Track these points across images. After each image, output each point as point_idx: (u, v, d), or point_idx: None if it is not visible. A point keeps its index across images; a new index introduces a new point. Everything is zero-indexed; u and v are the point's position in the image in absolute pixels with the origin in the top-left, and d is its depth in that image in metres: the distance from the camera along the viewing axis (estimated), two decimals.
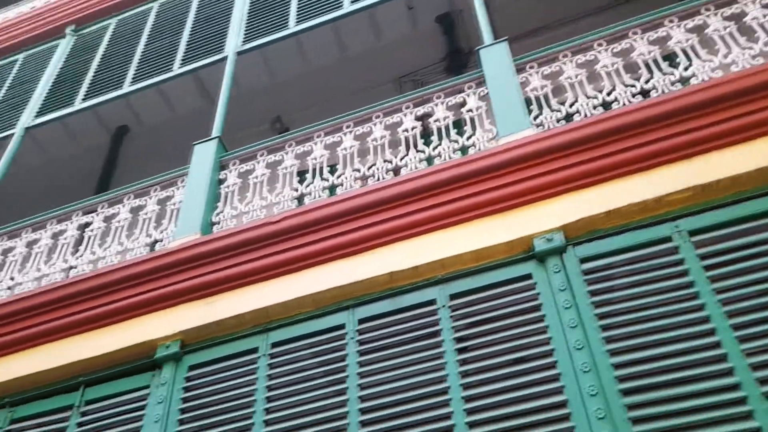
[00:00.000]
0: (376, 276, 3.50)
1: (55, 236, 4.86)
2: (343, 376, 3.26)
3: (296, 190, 4.21)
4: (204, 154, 4.63)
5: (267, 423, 3.24)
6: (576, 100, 3.81)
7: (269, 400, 3.33)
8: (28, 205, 5.51)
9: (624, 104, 3.64)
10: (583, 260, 3.15)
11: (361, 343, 3.35)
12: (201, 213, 4.28)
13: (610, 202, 3.20)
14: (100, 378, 3.82)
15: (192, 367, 3.65)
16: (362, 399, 3.13)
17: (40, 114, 5.88)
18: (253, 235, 3.91)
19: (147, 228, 4.54)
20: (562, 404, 2.74)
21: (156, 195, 4.69)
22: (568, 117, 3.76)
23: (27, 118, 5.88)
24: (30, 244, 4.89)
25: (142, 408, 3.57)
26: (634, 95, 3.71)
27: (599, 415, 2.63)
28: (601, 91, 3.82)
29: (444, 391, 2.98)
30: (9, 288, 4.64)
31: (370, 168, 4.06)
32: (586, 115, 3.68)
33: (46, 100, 5.96)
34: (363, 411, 3.09)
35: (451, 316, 3.24)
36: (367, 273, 3.52)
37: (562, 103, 3.86)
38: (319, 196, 4.10)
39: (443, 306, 3.28)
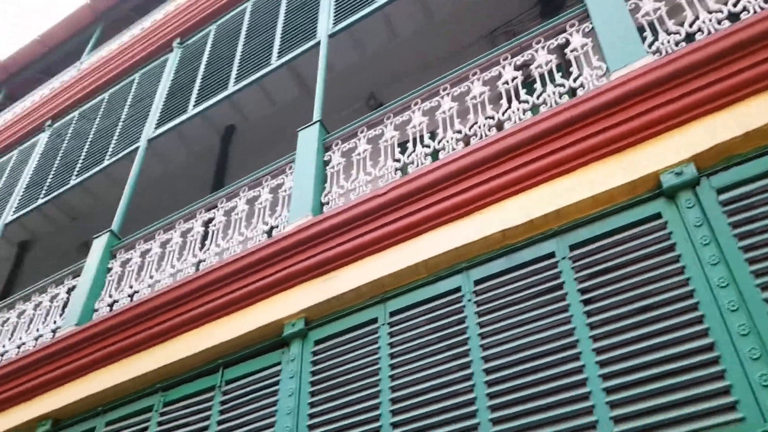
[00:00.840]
0: (488, 235, 3.38)
1: (184, 234, 5.21)
2: (464, 338, 3.19)
3: (398, 160, 4.18)
4: (308, 138, 4.73)
5: (393, 389, 3.25)
6: (697, 18, 3.42)
7: (393, 367, 3.33)
8: (153, 214, 5.95)
9: (754, 11, 3.21)
10: (721, 191, 2.82)
11: (478, 304, 3.26)
12: (311, 195, 4.38)
13: (747, 122, 2.84)
14: (236, 359, 4.05)
15: (317, 342, 3.75)
16: (485, 359, 3.05)
17: (159, 125, 6.34)
18: (362, 209, 3.93)
19: (263, 216, 4.73)
20: (708, 347, 2.48)
21: (268, 184, 4.88)
22: (689, 37, 3.38)
23: (148, 130, 6.37)
24: (163, 244, 5.29)
25: (276, 383, 3.73)
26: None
27: (753, 356, 2.35)
28: (726, 2, 3.39)
29: (572, 345, 2.82)
30: (149, 286, 5.05)
31: (471, 128, 3.93)
32: (710, 32, 3.29)
33: (163, 112, 6.41)
34: (487, 371, 3.00)
35: (573, 268, 3.04)
36: (478, 233, 3.42)
37: (681, 24, 3.48)
38: (422, 163, 4.03)
39: (563, 258, 3.10)
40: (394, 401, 3.21)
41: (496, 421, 2.85)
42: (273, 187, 4.85)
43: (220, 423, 3.78)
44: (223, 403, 3.88)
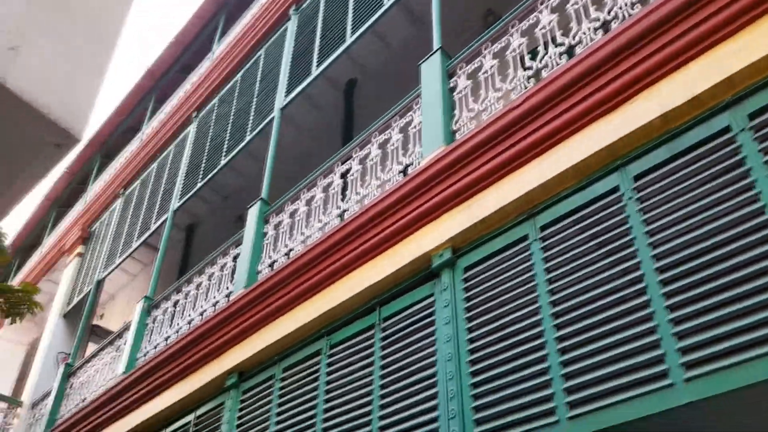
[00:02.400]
0: (645, 124, 2.99)
1: (325, 189, 5.34)
2: (627, 240, 2.89)
3: (530, 68, 3.86)
4: (430, 69, 4.57)
5: (553, 304, 3.05)
6: None
7: (550, 281, 3.13)
8: (294, 177, 6.15)
9: None
10: None
11: (641, 201, 2.91)
12: (441, 126, 4.24)
13: None
14: (390, 296, 4.08)
15: (467, 269, 3.64)
16: (657, 258, 2.72)
17: (288, 93, 6.55)
18: (496, 127, 3.71)
19: (396, 157, 4.68)
20: None
21: (397, 124, 4.81)
22: None
23: (279, 99, 6.60)
24: (308, 202, 5.47)
25: (431, 314, 3.70)
26: None
27: None
28: None
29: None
30: (302, 242, 5.26)
31: (610, 11, 3.50)
32: None
33: (290, 79, 6.60)
34: (660, 270, 2.69)
35: (756, 138, 2.58)
36: (633, 123, 3.05)
37: None
38: (557, 65, 3.69)
39: (742, 130, 2.64)
40: (556, 316, 3.01)
41: (680, 336, 2.54)
42: (402, 126, 4.77)
43: (383, 358, 3.84)
44: (383, 339, 3.93)
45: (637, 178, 2.98)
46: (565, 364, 2.85)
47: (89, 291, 9.10)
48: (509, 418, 2.96)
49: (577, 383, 2.77)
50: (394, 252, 4.16)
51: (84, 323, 8.67)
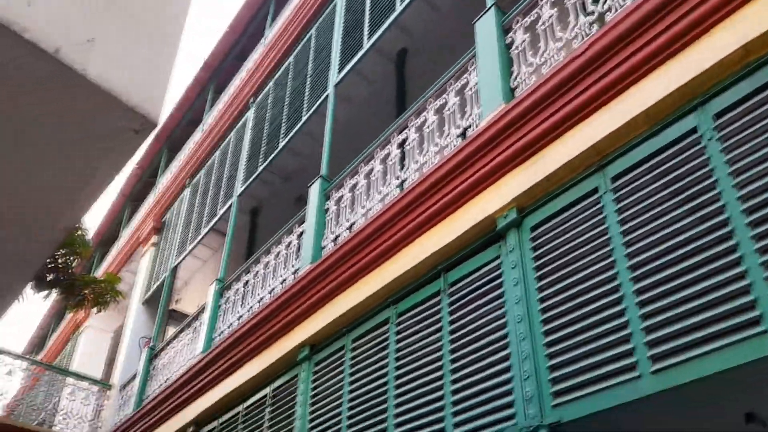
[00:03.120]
0: (724, 57, 2.77)
1: (383, 161, 5.30)
2: (709, 183, 2.71)
3: (592, 13, 3.66)
4: (485, 27, 4.42)
5: (629, 256, 2.90)
6: None
7: (625, 233, 2.98)
8: (351, 153, 6.14)
9: None
10: None
11: (724, 140, 2.71)
12: (499, 84, 4.10)
13: None
14: (455, 262, 4.02)
15: (534, 228, 3.52)
16: (742, 199, 2.52)
17: (340, 69, 6.53)
18: (558, 79, 3.55)
19: (454, 121, 4.58)
20: None
21: (452, 88, 4.70)
22: None
23: (332, 77, 6.60)
24: (367, 175, 5.46)
25: (498, 276, 3.61)
26: None
27: None
28: None
29: None
30: (363, 215, 5.26)
31: None
32: None
33: (342, 55, 6.58)
34: (748, 211, 2.49)
35: None
36: (711, 58, 2.82)
37: None
38: (623, 5, 3.46)
39: None
40: (633, 268, 2.87)
41: None
42: (458, 89, 4.65)
43: (451, 323, 3.79)
44: (450, 304, 3.88)
45: (718, 115, 2.78)
46: (646, 316, 2.71)
47: (165, 278, 9.51)
48: (588, 376, 2.86)
49: (659, 336, 2.63)
50: (457, 217, 4.08)
51: (162, 308, 9.07)
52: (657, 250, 2.80)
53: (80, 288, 7.63)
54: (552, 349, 3.07)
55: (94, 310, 8.64)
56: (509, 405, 3.15)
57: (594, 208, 3.20)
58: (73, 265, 7.35)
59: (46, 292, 7.27)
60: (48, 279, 7.15)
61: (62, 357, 13.70)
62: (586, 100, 3.39)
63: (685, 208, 2.77)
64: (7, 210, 2.68)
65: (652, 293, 2.74)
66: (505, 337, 3.37)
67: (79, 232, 7.21)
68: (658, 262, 2.77)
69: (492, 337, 3.46)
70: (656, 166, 2.97)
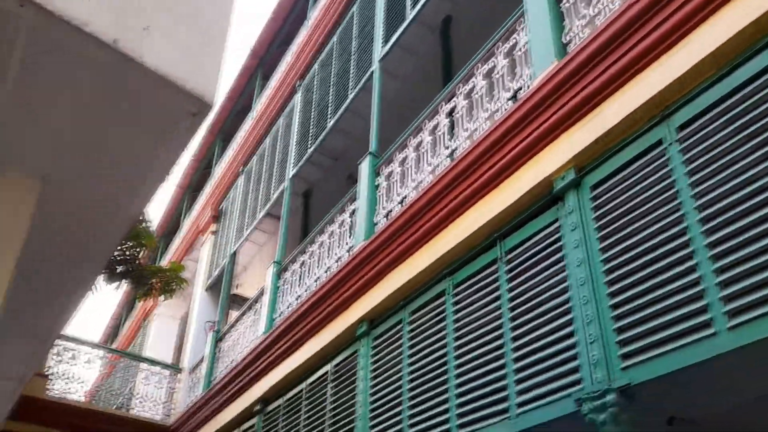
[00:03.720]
0: None
1: (432, 132, 5.20)
2: None
3: None
4: None
5: (700, 208, 2.72)
6: None
7: (695, 184, 2.80)
8: (399, 128, 6.05)
9: None
10: None
11: None
12: (550, 41, 3.92)
13: None
14: (511, 228, 3.90)
15: (594, 187, 3.36)
16: None
17: (384, 43, 6.44)
18: (615, 29, 3.35)
19: (504, 84, 4.43)
20: None
21: (501, 50, 4.54)
22: None
23: (377, 52, 6.51)
24: (416, 148, 5.37)
25: (558, 240, 3.48)
26: None
27: None
28: None
29: None
30: (414, 188, 5.19)
31: None
32: None
33: (385, 29, 6.48)
34: None
35: None
36: None
37: None
38: None
39: None
40: (705, 220, 2.69)
41: None
42: (507, 50, 4.49)
43: (510, 290, 3.69)
44: (508, 272, 3.77)
45: None
46: (721, 270, 2.54)
47: (225, 264, 9.75)
48: (658, 336, 2.71)
49: (736, 290, 2.46)
50: (512, 182, 3.95)
51: (224, 293, 9.32)
52: (730, 200, 2.61)
53: (148, 277, 7.93)
54: (618, 311, 2.93)
55: (162, 297, 8.98)
56: (575, 370, 3.04)
57: (659, 161, 3.02)
58: (140, 256, 7.63)
59: (117, 283, 7.59)
60: (118, 271, 7.46)
61: (135, 344, 14.35)
62: (646, 48, 3.18)
63: (760, 153, 2.56)
64: (77, 207, 2.78)
65: (726, 246, 2.56)
66: (567, 301, 3.24)
67: (144, 225, 7.47)
68: (731, 213, 2.59)
69: (553, 302, 3.34)
70: (726, 111, 2.76)
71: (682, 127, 2.95)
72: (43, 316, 3.98)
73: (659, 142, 3.04)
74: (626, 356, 2.81)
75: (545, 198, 3.67)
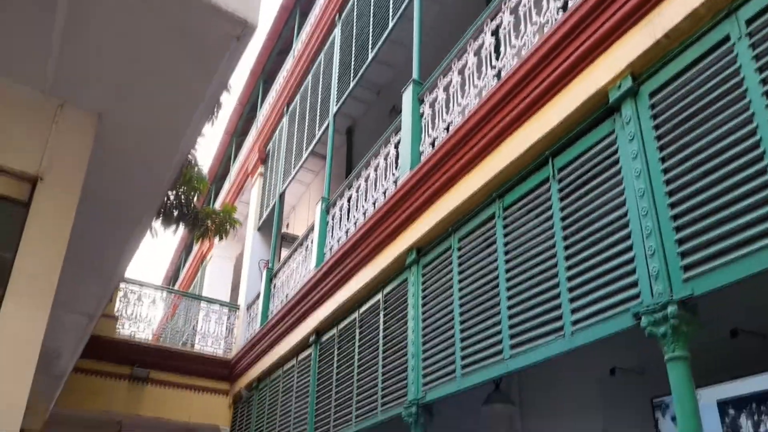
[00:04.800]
0: None
1: (477, 52, 4.99)
2: None
3: None
4: None
5: None
6: None
7: (765, 81, 2.56)
8: (439, 59, 5.83)
9: None
10: None
11: None
12: None
13: None
14: (562, 145, 3.75)
15: (653, 94, 3.15)
16: None
17: None
18: None
19: None
20: None
21: None
22: None
23: None
24: (461, 71, 5.18)
25: (613, 153, 3.32)
26: None
27: None
28: None
29: None
30: (459, 113, 5.03)
31: None
32: None
33: None
34: None
35: None
36: None
37: None
38: None
39: None
40: None
41: None
42: None
43: (562, 209, 3.58)
44: (560, 190, 3.65)
45: None
46: None
47: (274, 204, 9.90)
48: (721, 245, 2.57)
49: None
50: (563, 97, 3.76)
51: (275, 232, 9.50)
52: None
53: (202, 220, 8.15)
54: (679, 221, 2.79)
55: (216, 239, 9.24)
56: (633, 284, 2.94)
57: (725, 60, 2.78)
58: (194, 200, 7.83)
59: (173, 226, 7.84)
60: (174, 215, 7.69)
61: (194, 286, 14.98)
62: None
63: None
64: (132, 144, 2.82)
65: None
66: (624, 215, 3.11)
67: (196, 170, 7.62)
68: None
69: (609, 217, 3.22)
70: None
71: (750, 21, 2.69)
72: (106, 255, 4.16)
73: (726, 39, 2.80)
74: (688, 267, 2.70)
75: (600, 110, 3.48)
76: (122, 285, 9.49)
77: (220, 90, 2.68)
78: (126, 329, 9.51)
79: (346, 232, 6.70)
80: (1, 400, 2.04)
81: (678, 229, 2.79)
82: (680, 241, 2.77)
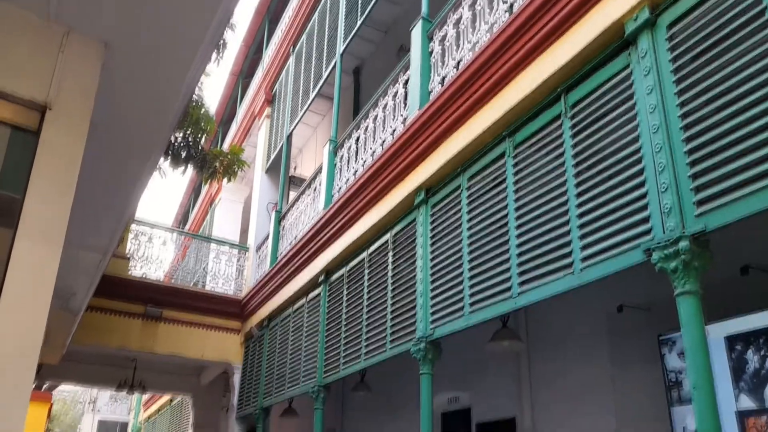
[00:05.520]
0: None
1: None
2: None
3: None
4: None
5: None
6: None
7: None
8: None
9: None
10: None
11: None
12: None
13: None
14: (575, 81, 3.66)
15: (671, 25, 3.05)
16: None
17: None
18: None
19: None
20: None
21: None
22: None
23: None
24: (471, 6, 5.00)
25: (628, 87, 3.25)
26: None
27: None
28: None
29: None
30: (470, 50, 4.90)
31: None
32: None
33: None
34: None
35: None
36: None
37: None
38: None
39: None
40: None
41: None
42: None
43: (574, 146, 3.53)
44: (572, 127, 3.59)
45: None
46: None
47: (282, 145, 9.85)
48: (736, 179, 2.54)
49: None
50: (577, 30, 3.64)
51: (283, 174, 9.49)
52: None
53: (210, 161, 8.14)
54: (694, 156, 2.75)
55: (225, 180, 9.26)
56: (645, 220, 2.93)
57: None
58: (202, 141, 7.79)
59: (182, 167, 7.84)
60: (183, 156, 7.68)
61: (203, 229, 15.13)
62: None
63: None
64: (139, 76, 2.77)
65: None
66: (638, 150, 3.07)
67: (203, 110, 7.54)
68: None
69: (622, 153, 3.17)
70: None
71: None
72: (116, 190, 4.19)
73: None
74: (701, 202, 2.67)
75: (615, 43, 3.37)
76: (133, 226, 9.59)
77: (226, 19, 2.61)
78: (138, 270, 9.67)
79: (354, 173, 6.68)
80: (20, 335, 2.09)
81: (693, 164, 2.75)
82: (694, 176, 2.73)
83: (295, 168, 11.48)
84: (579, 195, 3.40)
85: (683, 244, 2.65)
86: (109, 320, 8.75)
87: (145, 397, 18.94)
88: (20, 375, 2.04)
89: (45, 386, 15.30)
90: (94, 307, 8.41)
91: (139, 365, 11.19)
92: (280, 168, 9.85)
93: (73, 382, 13.34)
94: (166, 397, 15.99)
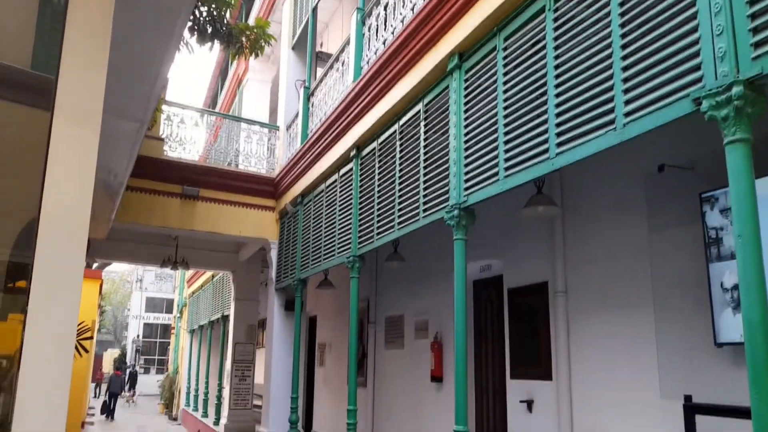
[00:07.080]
0: None
1: None
2: None
3: None
4: None
5: None
6: None
7: None
8: None
9: None
10: None
11: None
12: None
13: None
14: None
15: None
16: None
17: None
18: None
19: None
20: None
21: None
22: None
23: None
24: None
25: None
26: None
27: None
28: None
29: None
30: None
31: None
32: None
33: None
34: None
35: None
36: None
37: None
38: None
39: None
40: None
41: None
42: None
43: (621, 4, 3.26)
44: (555, 20, 3.30)
45: None
46: None
47: (307, 19, 9.45)
48: None
49: None
50: None
51: (310, 49, 9.20)
52: None
53: (237, 36, 7.91)
54: (755, 8, 2.51)
55: (252, 58, 9.04)
56: (696, 68, 2.75)
57: None
58: (227, 15, 7.52)
59: (209, 43, 7.66)
60: (209, 31, 7.46)
61: (233, 110, 15.07)
62: None
63: None
64: None
65: None
66: (693, 4, 2.82)
67: None
68: None
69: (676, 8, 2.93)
70: None
71: None
72: (146, 60, 4.19)
73: None
74: (759, 44, 2.48)
75: None
76: (165, 108, 9.59)
77: None
78: (174, 152, 9.80)
79: (384, 42, 6.42)
80: (69, 210, 2.16)
81: (752, 2, 2.53)
82: (753, 16, 2.52)
83: (321, 44, 11.09)
84: (624, 46, 3.19)
85: (736, 89, 2.50)
86: (149, 200, 9.04)
87: (188, 274, 20.03)
88: (72, 250, 2.13)
89: (95, 265, 16.26)
90: (134, 187, 8.65)
91: (180, 243, 11.70)
92: (306, 44, 9.54)
93: (120, 260, 14.08)
94: (207, 274, 16.88)
